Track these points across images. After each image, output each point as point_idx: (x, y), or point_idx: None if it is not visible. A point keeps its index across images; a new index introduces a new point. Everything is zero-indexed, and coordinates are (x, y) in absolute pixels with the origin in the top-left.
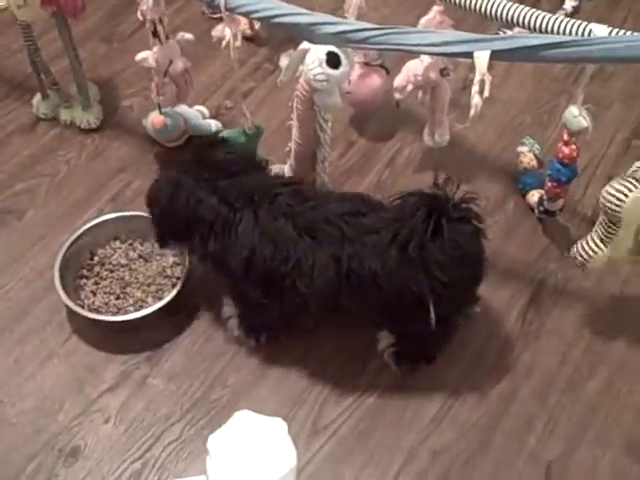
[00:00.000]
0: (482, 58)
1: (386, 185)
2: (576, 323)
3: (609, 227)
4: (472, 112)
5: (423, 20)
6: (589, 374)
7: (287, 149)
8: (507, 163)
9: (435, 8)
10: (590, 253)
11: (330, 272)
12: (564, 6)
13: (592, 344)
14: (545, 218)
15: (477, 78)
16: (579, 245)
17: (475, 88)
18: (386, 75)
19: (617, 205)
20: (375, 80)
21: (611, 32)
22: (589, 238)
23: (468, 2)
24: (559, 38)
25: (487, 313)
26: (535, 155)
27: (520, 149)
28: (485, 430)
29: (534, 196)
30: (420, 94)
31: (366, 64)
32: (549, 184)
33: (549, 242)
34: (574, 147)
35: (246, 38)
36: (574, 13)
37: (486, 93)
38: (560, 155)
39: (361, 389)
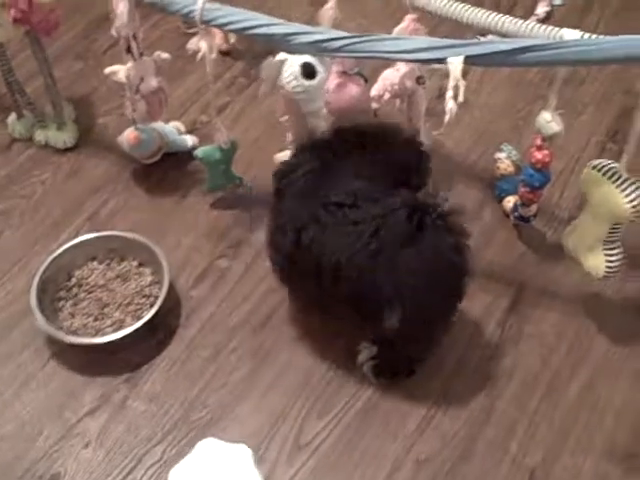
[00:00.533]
0: (455, 63)
1: None
2: (556, 326)
3: (617, 229)
4: (447, 117)
5: (397, 29)
6: (569, 378)
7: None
8: (484, 169)
9: (409, 16)
10: (620, 259)
11: (289, 244)
12: (536, 12)
13: (572, 347)
14: (520, 224)
15: (451, 83)
16: (603, 266)
17: (449, 93)
18: (364, 83)
19: None
20: (353, 89)
21: (582, 37)
22: (609, 251)
23: (441, 10)
24: (532, 42)
25: (467, 320)
26: (513, 161)
27: (497, 155)
28: (468, 438)
29: (510, 202)
30: (397, 102)
31: (344, 73)
32: (522, 189)
33: (526, 248)
34: (547, 152)
35: (222, 52)
36: (547, 19)
37: (460, 98)
38: (533, 160)
39: (343, 402)
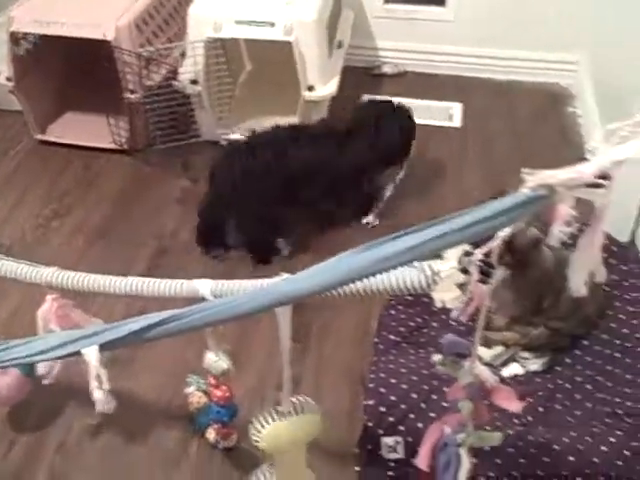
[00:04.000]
0: (91, 354)
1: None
2: None
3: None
4: (98, 407)
5: (40, 312)
6: None
7: None
8: (180, 406)
9: (49, 297)
10: None
11: None
12: None
13: None
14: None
15: (92, 373)
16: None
17: (94, 383)
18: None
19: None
20: (7, 377)
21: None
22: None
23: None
24: (158, 317)
25: None
26: (203, 391)
27: (187, 390)
28: None
29: (211, 434)
30: None
31: None
32: (215, 426)
33: (241, 474)
34: (225, 387)
35: None
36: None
37: (106, 386)
38: (215, 398)
39: None
